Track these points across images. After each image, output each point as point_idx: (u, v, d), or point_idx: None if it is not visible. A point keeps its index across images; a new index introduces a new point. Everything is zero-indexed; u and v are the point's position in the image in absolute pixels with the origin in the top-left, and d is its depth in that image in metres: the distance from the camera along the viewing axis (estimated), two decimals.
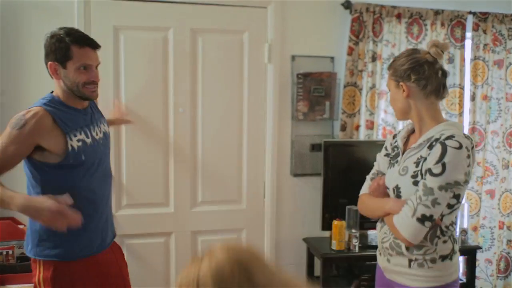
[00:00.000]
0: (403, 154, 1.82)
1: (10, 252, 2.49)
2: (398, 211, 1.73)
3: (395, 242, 1.79)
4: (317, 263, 3.04)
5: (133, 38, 2.88)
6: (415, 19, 3.26)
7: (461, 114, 3.37)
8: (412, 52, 1.80)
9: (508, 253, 3.51)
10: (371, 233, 2.97)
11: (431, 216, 1.67)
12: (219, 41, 3.01)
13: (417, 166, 1.72)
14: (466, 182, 1.70)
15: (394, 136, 1.97)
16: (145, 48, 2.91)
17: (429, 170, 1.66)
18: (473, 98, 3.41)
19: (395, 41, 3.23)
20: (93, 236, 1.94)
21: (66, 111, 1.87)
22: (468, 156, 1.67)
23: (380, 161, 1.98)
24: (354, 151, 3.11)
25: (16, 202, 1.66)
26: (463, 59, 3.35)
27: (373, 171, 1.99)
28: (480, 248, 3.31)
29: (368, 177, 2.00)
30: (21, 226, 2.65)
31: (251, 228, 3.17)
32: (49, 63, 1.84)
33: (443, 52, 1.76)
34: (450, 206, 1.71)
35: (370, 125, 3.21)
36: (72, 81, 1.84)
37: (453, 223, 1.81)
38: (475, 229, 3.45)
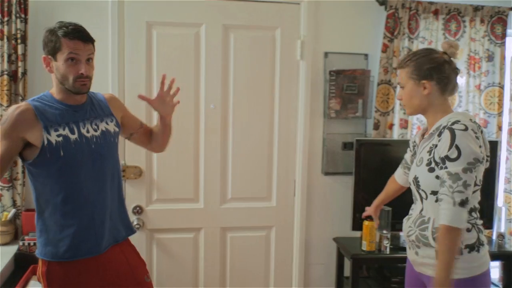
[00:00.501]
0: (418, 147, 1.95)
1: None
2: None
3: (421, 234, 1.86)
4: (347, 264, 2.99)
5: (166, 34, 2.90)
6: (453, 15, 3.16)
7: (500, 114, 3.25)
8: (431, 51, 1.92)
9: None
10: (402, 234, 2.89)
11: (467, 198, 1.72)
12: (251, 37, 2.99)
13: (430, 154, 1.82)
14: (483, 159, 1.77)
15: (414, 142, 2.09)
16: (177, 44, 2.92)
17: (447, 157, 1.74)
18: None
19: (431, 38, 3.15)
20: (83, 239, 1.85)
21: (53, 105, 1.84)
22: (477, 138, 1.76)
23: (407, 158, 2.17)
24: (387, 150, 3.04)
25: None
26: (503, 57, 3.23)
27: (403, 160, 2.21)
28: None
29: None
30: None
31: (280, 226, 3.14)
32: (43, 56, 1.84)
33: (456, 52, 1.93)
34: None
35: (404, 124, 3.14)
36: (62, 73, 1.80)
37: (475, 209, 1.86)
38: None
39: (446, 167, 1.73)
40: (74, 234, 1.83)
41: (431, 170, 1.81)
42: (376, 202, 2.40)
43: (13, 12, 2.63)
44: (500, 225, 3.31)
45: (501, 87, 3.24)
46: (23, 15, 2.64)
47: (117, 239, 1.98)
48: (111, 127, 1.99)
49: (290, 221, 3.15)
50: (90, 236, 1.86)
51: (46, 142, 1.76)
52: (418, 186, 1.89)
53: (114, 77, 2.81)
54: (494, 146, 3.10)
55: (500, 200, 3.33)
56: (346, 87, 3.07)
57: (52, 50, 1.80)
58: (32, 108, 1.79)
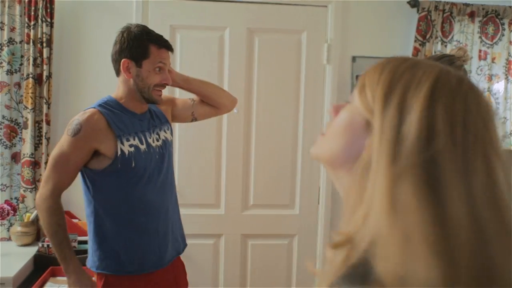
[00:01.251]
0: None
1: None
2: None
3: None
4: None
5: (190, 38, 2.87)
6: (490, 17, 3.00)
7: None
8: (453, 58, 1.73)
9: None
10: None
11: None
12: (276, 41, 2.93)
13: None
14: None
15: None
16: (201, 48, 2.89)
17: None
18: None
19: (466, 41, 2.99)
20: (147, 252, 1.80)
21: (121, 113, 1.78)
22: None
23: None
24: None
25: (70, 267, 1.77)
26: None
27: None
28: None
29: None
30: (75, 220, 2.72)
31: (303, 235, 3.06)
32: (123, 60, 1.74)
33: None
34: None
35: None
36: (145, 81, 1.75)
37: None
38: None
39: None
40: (140, 247, 1.78)
41: None
42: None
43: (39, 16, 2.67)
44: None
45: None
46: (49, 19, 2.67)
47: (179, 251, 1.98)
48: (168, 135, 1.95)
49: (314, 230, 3.06)
50: (156, 249, 1.82)
51: (119, 152, 1.70)
52: None
53: None
54: None
55: None
56: None
57: (138, 56, 1.74)
58: (103, 116, 1.72)
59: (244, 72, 2.92)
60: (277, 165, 3.00)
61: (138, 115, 1.83)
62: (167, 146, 1.90)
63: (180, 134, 2.89)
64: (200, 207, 2.97)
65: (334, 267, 0.65)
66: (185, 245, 2.05)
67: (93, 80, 2.81)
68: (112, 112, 1.75)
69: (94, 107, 1.75)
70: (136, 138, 1.77)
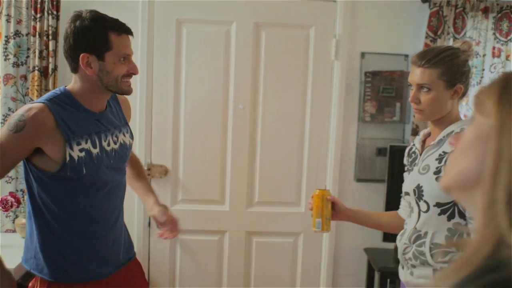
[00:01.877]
0: (421, 154, 1.73)
1: None
2: None
3: (418, 250, 1.67)
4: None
5: (196, 32, 2.85)
6: (505, 13, 2.91)
7: None
8: (459, 52, 1.68)
9: None
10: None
11: None
12: (283, 36, 2.89)
13: (440, 162, 1.63)
14: None
15: (410, 149, 1.86)
16: (207, 42, 2.86)
17: None
18: None
19: (480, 38, 2.91)
20: (97, 260, 1.68)
21: (75, 111, 1.58)
22: None
23: None
24: None
25: None
26: None
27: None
28: None
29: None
30: None
31: (309, 233, 3.01)
32: (82, 55, 1.53)
33: None
34: None
35: None
36: (111, 74, 1.56)
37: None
38: None
39: None
40: (87, 255, 1.65)
41: (439, 179, 1.60)
42: (354, 210, 1.98)
43: (46, 9, 2.67)
44: None
45: None
46: (55, 12, 2.67)
47: (130, 256, 1.84)
48: (127, 139, 1.78)
49: None
50: (103, 257, 1.69)
51: (68, 158, 1.52)
52: (420, 196, 1.67)
53: (142, 76, 2.78)
54: None
55: None
56: (383, 90, 2.89)
57: (98, 48, 1.53)
58: (52, 114, 1.52)
59: (250, 67, 2.88)
60: (283, 162, 2.95)
61: (95, 114, 1.63)
62: (124, 150, 1.73)
63: (186, 127, 2.87)
64: (205, 203, 2.94)
65: (457, 268, 0.65)
66: (134, 252, 1.89)
67: None
68: (64, 109, 1.55)
69: (43, 102, 1.53)
70: (89, 141, 1.58)
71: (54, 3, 2.67)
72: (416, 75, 1.66)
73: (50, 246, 1.62)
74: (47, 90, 2.71)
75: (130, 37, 1.62)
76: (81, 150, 1.55)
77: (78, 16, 1.56)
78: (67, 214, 1.61)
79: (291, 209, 2.99)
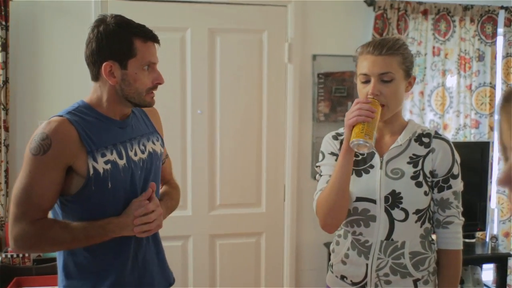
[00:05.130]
0: (381, 156, 1.56)
1: (27, 254, 2.49)
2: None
3: (396, 263, 1.54)
4: None
5: None
6: (442, 15, 3.12)
7: (491, 114, 3.21)
8: (389, 40, 1.53)
9: None
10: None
11: None
12: (237, 40, 2.95)
13: (415, 166, 1.54)
14: None
15: (336, 138, 1.66)
16: (162, 49, 2.80)
17: (452, 175, 1.56)
18: None
19: (421, 38, 3.11)
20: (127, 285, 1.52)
21: (96, 121, 1.45)
22: None
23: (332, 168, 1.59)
24: None
25: (112, 227, 1.41)
26: (494, 57, 3.20)
27: (326, 178, 1.60)
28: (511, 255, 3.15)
29: (320, 187, 1.63)
30: None
31: (270, 232, 3.10)
32: (105, 63, 1.41)
33: None
34: None
35: None
36: (133, 85, 1.44)
37: None
38: (506, 235, 3.29)
39: (450, 186, 1.56)
40: (116, 281, 1.48)
41: (419, 184, 1.53)
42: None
43: None
44: (494, 227, 3.28)
45: (492, 87, 3.21)
46: (3, 22, 2.59)
47: (170, 282, 1.68)
48: (158, 147, 1.62)
49: (280, 227, 3.10)
50: (134, 283, 1.53)
51: (92, 171, 1.38)
52: (395, 204, 1.52)
53: None
54: (486, 146, 3.07)
55: (493, 201, 3.30)
56: (335, 90, 3.02)
57: (122, 55, 1.41)
58: (73, 126, 1.39)
59: (206, 72, 2.92)
60: (243, 164, 3.02)
61: (118, 122, 1.50)
62: (153, 160, 1.58)
63: None
64: None
65: None
66: (172, 276, 1.73)
67: (52, 84, 2.74)
68: (84, 120, 1.43)
69: (61, 115, 1.41)
70: (114, 152, 1.45)
71: (3, 13, 2.58)
72: (377, 64, 1.49)
73: (75, 274, 1.48)
74: None
75: (157, 45, 1.51)
76: (106, 162, 1.42)
77: (102, 21, 1.45)
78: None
79: (252, 209, 3.06)
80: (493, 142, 3.15)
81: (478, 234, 3.19)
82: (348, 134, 1.43)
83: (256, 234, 3.09)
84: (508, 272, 3.12)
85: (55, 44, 2.74)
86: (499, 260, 3.05)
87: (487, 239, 3.19)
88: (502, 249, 3.16)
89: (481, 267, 3.15)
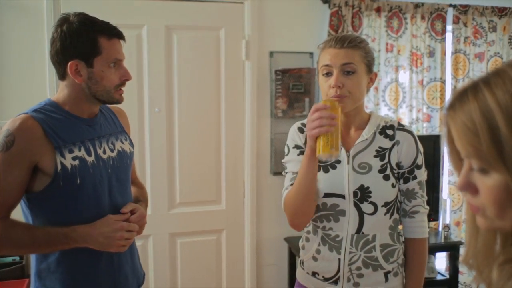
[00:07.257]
0: (347, 151, 1.58)
1: None
2: None
3: (368, 257, 1.56)
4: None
5: None
6: (394, 12, 3.21)
7: (442, 108, 3.33)
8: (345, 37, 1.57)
9: None
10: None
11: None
12: (194, 38, 2.93)
13: (382, 159, 1.56)
14: None
15: (302, 130, 1.64)
16: None
17: (416, 165, 1.60)
18: None
19: (375, 35, 3.18)
20: (101, 284, 1.52)
21: (62, 118, 1.45)
22: None
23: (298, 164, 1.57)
24: None
25: (75, 235, 1.39)
26: (444, 53, 3.31)
27: (292, 175, 1.61)
28: (463, 243, 3.28)
29: (287, 184, 1.63)
30: None
31: (231, 229, 3.11)
32: (71, 62, 1.41)
33: None
34: None
35: None
36: (100, 83, 1.45)
37: None
38: (458, 224, 3.42)
39: (415, 177, 1.60)
40: (90, 282, 1.49)
41: (386, 177, 1.55)
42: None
43: None
44: (446, 216, 3.41)
45: (443, 82, 3.32)
46: None
47: (139, 283, 1.68)
48: (127, 146, 1.63)
49: (241, 223, 3.11)
50: (109, 283, 1.52)
51: (59, 167, 1.39)
52: (363, 198, 1.54)
53: (51, 81, 2.69)
54: (437, 139, 3.17)
55: (445, 192, 3.42)
56: (293, 86, 3.06)
57: (87, 54, 1.42)
58: (38, 122, 1.39)
59: (164, 70, 2.89)
60: (202, 162, 3.01)
61: (86, 119, 1.51)
62: (123, 158, 1.59)
63: None
64: None
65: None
66: (144, 273, 1.75)
67: (9, 84, 2.65)
68: (50, 117, 1.43)
69: (26, 113, 1.42)
70: (82, 148, 1.45)
71: None
72: (339, 55, 1.50)
73: (50, 275, 1.48)
74: None
75: (122, 42, 1.52)
76: (74, 158, 1.42)
77: (65, 20, 1.45)
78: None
79: (212, 207, 3.06)
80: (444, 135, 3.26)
81: (431, 224, 3.31)
82: (311, 144, 1.40)
83: (217, 231, 3.09)
84: (460, 259, 3.25)
85: (9, 43, 2.64)
86: (452, 248, 3.18)
87: (440, 229, 3.32)
88: (454, 238, 3.29)
89: (434, 256, 3.27)
